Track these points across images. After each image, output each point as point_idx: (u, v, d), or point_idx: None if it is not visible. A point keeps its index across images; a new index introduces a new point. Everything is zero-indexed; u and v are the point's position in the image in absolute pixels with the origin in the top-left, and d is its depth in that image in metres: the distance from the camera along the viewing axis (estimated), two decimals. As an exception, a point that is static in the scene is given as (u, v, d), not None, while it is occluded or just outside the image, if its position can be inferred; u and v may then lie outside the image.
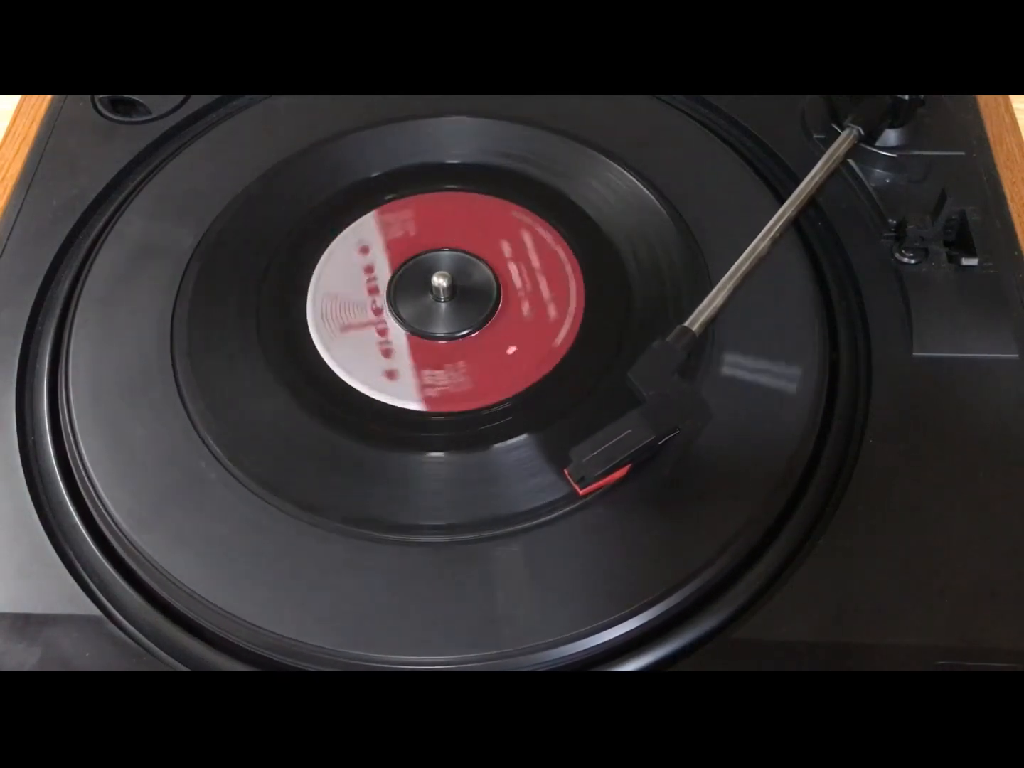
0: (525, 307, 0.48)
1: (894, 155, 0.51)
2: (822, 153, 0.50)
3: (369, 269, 0.49)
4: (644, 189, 0.51)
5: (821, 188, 0.49)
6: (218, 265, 0.49)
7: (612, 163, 0.52)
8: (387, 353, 0.47)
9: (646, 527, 0.40)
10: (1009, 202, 0.50)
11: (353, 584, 0.39)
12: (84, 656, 0.38)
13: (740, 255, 0.46)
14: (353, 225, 0.51)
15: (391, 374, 0.46)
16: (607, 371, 0.45)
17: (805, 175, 0.49)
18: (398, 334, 0.47)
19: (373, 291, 0.49)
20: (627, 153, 0.52)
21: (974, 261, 0.47)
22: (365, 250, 0.50)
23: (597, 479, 0.40)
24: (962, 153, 0.52)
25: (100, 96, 0.55)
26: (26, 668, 0.38)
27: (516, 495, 0.41)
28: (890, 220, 0.49)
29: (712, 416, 0.42)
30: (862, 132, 0.50)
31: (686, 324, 0.44)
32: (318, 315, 0.48)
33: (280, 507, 0.41)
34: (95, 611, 0.39)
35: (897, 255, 0.48)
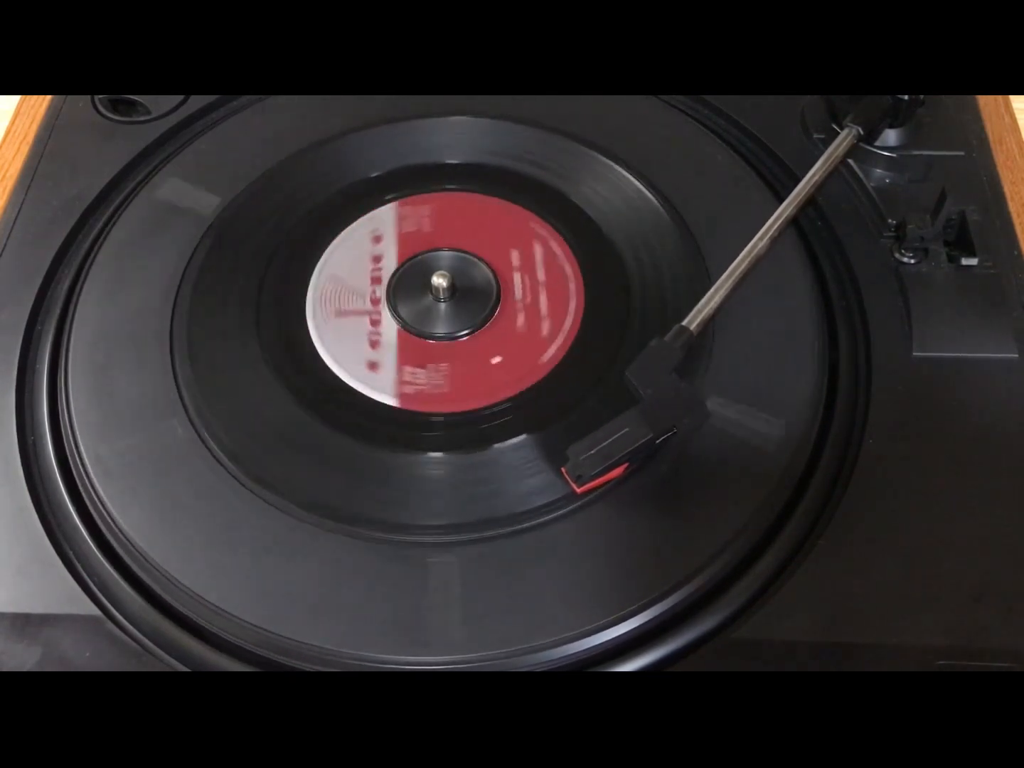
0: (524, 308, 0.48)
1: (894, 155, 0.51)
2: (822, 153, 0.50)
3: (377, 259, 0.50)
4: (644, 189, 0.51)
5: (821, 188, 0.49)
6: (217, 267, 0.49)
7: (612, 163, 0.52)
8: (375, 344, 0.47)
9: (645, 527, 0.40)
10: (1009, 202, 0.50)
11: (353, 584, 0.39)
12: (84, 656, 0.38)
13: (739, 254, 0.46)
14: (371, 214, 0.51)
15: (374, 365, 0.46)
16: (606, 370, 0.45)
17: (805, 175, 0.49)
18: (390, 327, 0.47)
19: (376, 280, 0.49)
20: (627, 153, 0.52)
21: (974, 261, 0.47)
22: (378, 239, 0.50)
23: (594, 477, 0.40)
24: (962, 153, 0.52)
25: (100, 96, 0.55)
26: (26, 668, 0.38)
27: (516, 495, 0.41)
28: (890, 220, 0.49)
29: (709, 415, 0.42)
30: (862, 132, 0.50)
31: (684, 323, 0.44)
32: (317, 298, 0.48)
33: (281, 508, 0.41)
34: (95, 611, 0.39)
35: (897, 255, 0.48)
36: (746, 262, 0.46)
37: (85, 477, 0.42)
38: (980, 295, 0.46)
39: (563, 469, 0.41)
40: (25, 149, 0.54)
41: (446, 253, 0.50)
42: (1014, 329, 0.46)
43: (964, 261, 0.47)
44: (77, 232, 0.51)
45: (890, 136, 0.51)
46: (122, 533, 0.41)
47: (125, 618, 0.40)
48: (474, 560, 0.40)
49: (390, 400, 0.45)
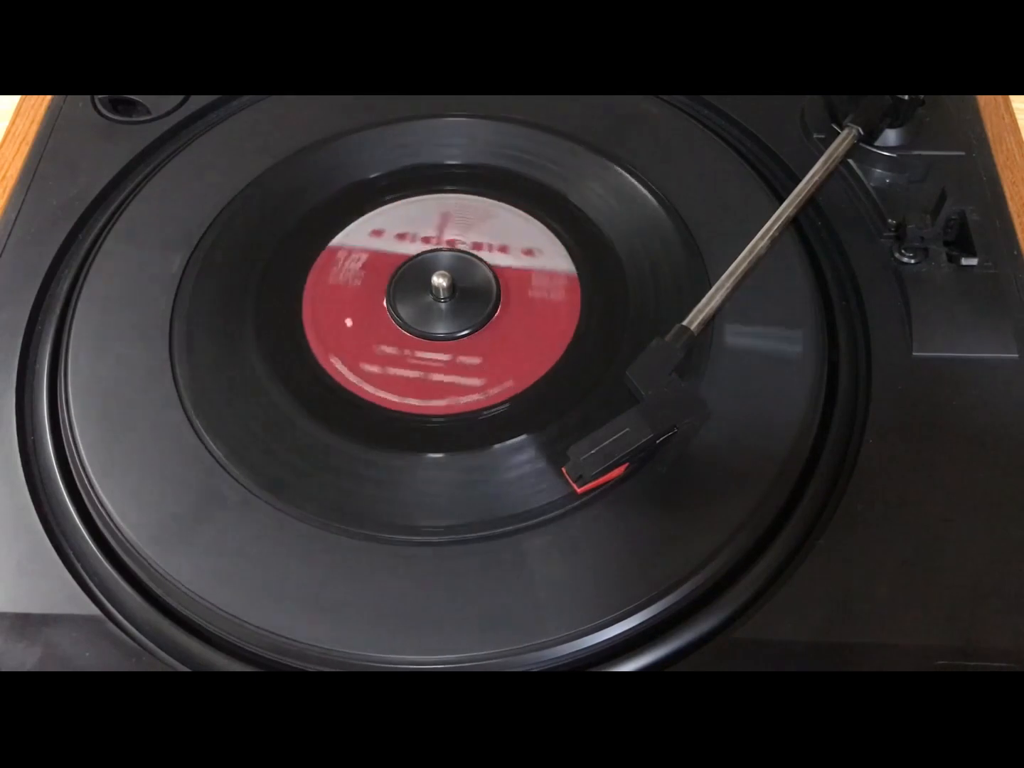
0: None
1: (894, 155, 0.51)
2: (822, 153, 0.50)
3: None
4: (644, 189, 0.51)
5: (821, 188, 0.49)
6: (217, 265, 0.49)
7: (612, 163, 0.52)
8: (405, 237, 0.50)
9: (645, 526, 0.40)
10: (1009, 202, 0.50)
11: (352, 584, 0.39)
12: (84, 656, 0.38)
13: (739, 255, 0.46)
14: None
15: (379, 233, 0.50)
16: (606, 370, 0.45)
17: (805, 175, 0.49)
18: (410, 249, 0.50)
19: (452, 243, 0.50)
20: (627, 153, 0.52)
21: (974, 261, 0.47)
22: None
23: (595, 477, 0.40)
24: (962, 153, 0.52)
25: (100, 96, 0.55)
26: (26, 668, 0.38)
27: (516, 495, 0.41)
28: (890, 220, 0.49)
29: (710, 415, 0.42)
30: (862, 132, 0.50)
31: (684, 323, 0.44)
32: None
33: (279, 507, 0.41)
34: (95, 611, 0.39)
35: (897, 255, 0.48)
36: (746, 262, 0.46)
37: (85, 477, 0.42)
38: (980, 295, 0.46)
39: (563, 469, 0.41)
40: (25, 149, 0.54)
41: (445, 253, 0.50)
42: (1014, 329, 0.46)
43: (964, 261, 0.47)
44: (77, 232, 0.51)
45: (890, 136, 0.51)
46: (122, 533, 0.41)
47: (125, 618, 0.40)
48: (474, 560, 0.40)
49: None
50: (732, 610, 0.39)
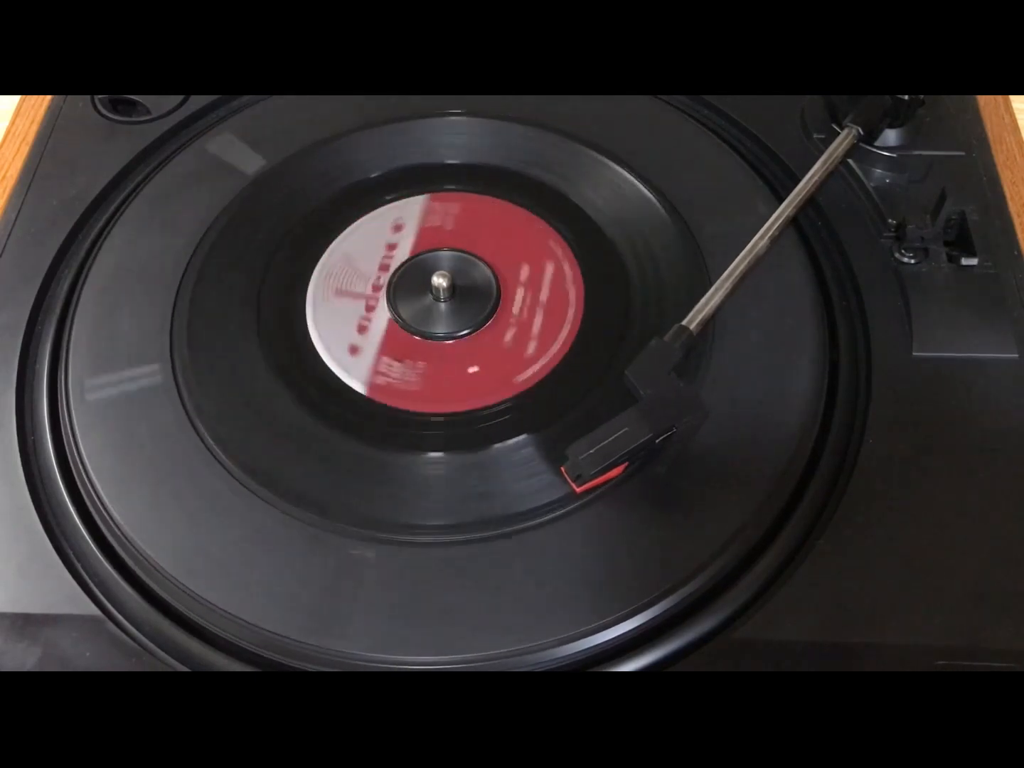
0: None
1: (894, 155, 0.51)
2: (822, 153, 0.50)
3: (392, 247, 0.50)
4: (644, 189, 0.51)
5: (821, 188, 0.49)
6: (216, 266, 0.49)
7: (612, 163, 0.52)
8: (362, 329, 0.47)
9: (645, 526, 0.40)
10: (1009, 202, 0.50)
11: (353, 584, 0.39)
12: (84, 656, 0.38)
13: (739, 255, 0.46)
14: (400, 203, 0.52)
15: (355, 349, 0.46)
16: (606, 370, 0.45)
17: (805, 175, 0.49)
18: (382, 316, 0.48)
19: (384, 268, 0.49)
20: (627, 153, 0.52)
21: (974, 261, 0.47)
22: (399, 228, 0.50)
23: (594, 477, 0.40)
24: (962, 153, 0.52)
25: (100, 96, 0.55)
26: (26, 668, 0.38)
27: (515, 495, 0.41)
28: (890, 220, 0.49)
29: (708, 414, 0.42)
30: (862, 132, 0.50)
31: (684, 323, 0.44)
32: (322, 276, 0.49)
33: (279, 507, 0.41)
34: (95, 611, 0.39)
35: (897, 255, 0.48)
36: (746, 262, 0.46)
37: (85, 477, 0.42)
38: (980, 295, 0.46)
39: (562, 469, 0.41)
40: (25, 149, 0.54)
41: (446, 253, 0.50)
42: (1014, 329, 0.46)
43: (964, 261, 0.47)
44: (77, 232, 0.51)
45: (890, 136, 0.51)
46: (122, 533, 0.41)
47: (125, 618, 0.40)
48: (474, 560, 0.40)
49: (359, 387, 0.45)
50: (732, 610, 0.39)
